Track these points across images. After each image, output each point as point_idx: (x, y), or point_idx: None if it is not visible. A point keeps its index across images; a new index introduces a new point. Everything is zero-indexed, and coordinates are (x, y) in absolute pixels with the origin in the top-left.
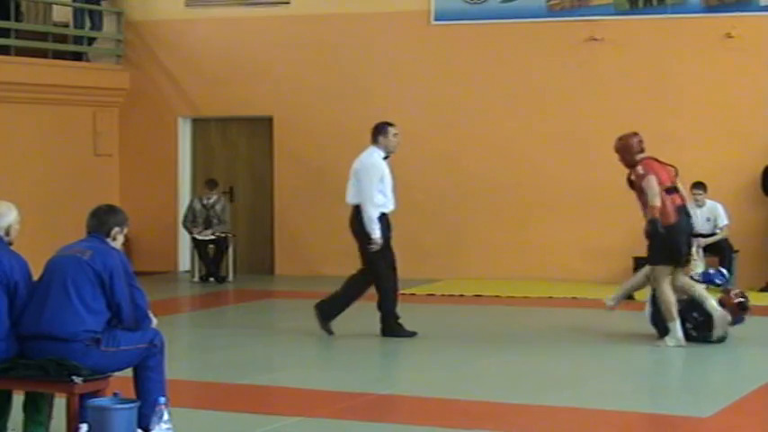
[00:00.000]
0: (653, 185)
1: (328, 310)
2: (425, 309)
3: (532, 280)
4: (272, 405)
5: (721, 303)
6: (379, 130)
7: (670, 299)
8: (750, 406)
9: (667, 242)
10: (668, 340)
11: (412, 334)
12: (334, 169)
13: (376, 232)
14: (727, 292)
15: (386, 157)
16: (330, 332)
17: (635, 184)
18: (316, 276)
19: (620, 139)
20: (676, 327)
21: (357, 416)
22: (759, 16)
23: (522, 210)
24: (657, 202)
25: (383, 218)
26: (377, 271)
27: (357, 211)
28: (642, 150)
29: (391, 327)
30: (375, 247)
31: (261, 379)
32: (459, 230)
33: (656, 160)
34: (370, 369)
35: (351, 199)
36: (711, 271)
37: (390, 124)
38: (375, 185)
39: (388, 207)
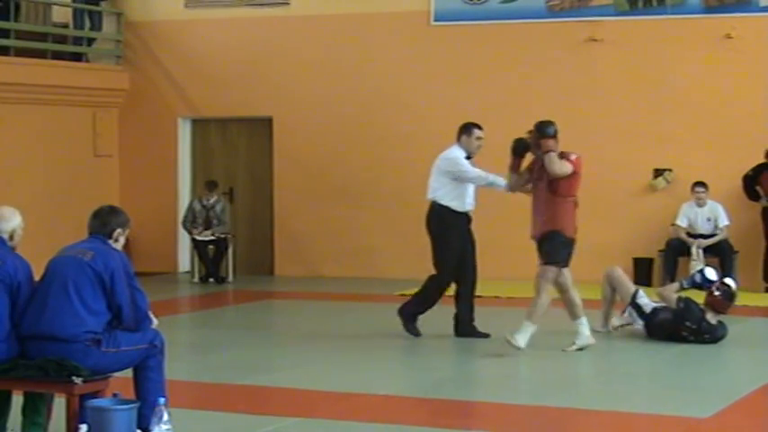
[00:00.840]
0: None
1: (412, 311)
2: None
3: (531, 280)
4: (271, 406)
5: (707, 304)
6: (464, 130)
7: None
8: (749, 407)
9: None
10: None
11: (485, 335)
12: (333, 170)
13: (490, 177)
14: (709, 291)
15: (468, 158)
16: (416, 334)
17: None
18: (316, 277)
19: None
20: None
21: (356, 416)
22: (759, 17)
23: (523, 209)
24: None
25: (464, 216)
26: (442, 267)
27: (432, 207)
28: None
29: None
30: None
31: (260, 379)
32: None
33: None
34: (370, 369)
35: (429, 194)
36: (696, 278)
37: (477, 126)
38: (466, 165)
39: (466, 206)
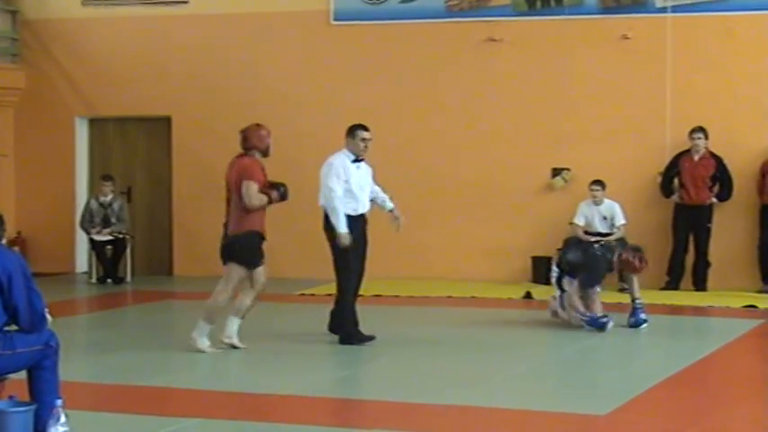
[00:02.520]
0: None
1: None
2: (325, 309)
3: (432, 279)
4: (170, 407)
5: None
6: (348, 132)
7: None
8: (645, 403)
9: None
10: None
11: (369, 339)
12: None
13: (343, 227)
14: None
15: (356, 160)
16: (370, 338)
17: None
18: (214, 277)
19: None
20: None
21: (257, 417)
22: (654, 17)
23: (421, 209)
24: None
25: (351, 219)
26: (350, 271)
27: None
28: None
29: (348, 334)
30: (344, 242)
31: (159, 380)
32: None
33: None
34: (270, 369)
35: (321, 201)
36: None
37: (362, 127)
38: (334, 181)
39: (357, 209)
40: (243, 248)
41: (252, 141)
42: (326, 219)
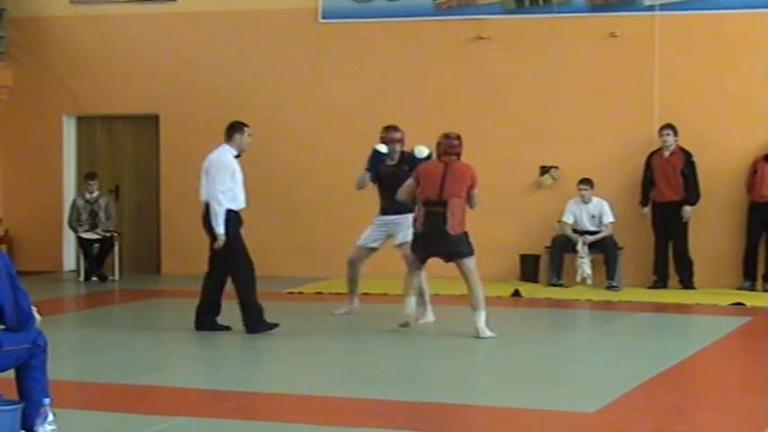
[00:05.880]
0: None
1: (206, 320)
2: (314, 307)
3: None
4: (158, 405)
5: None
6: (236, 129)
7: None
8: (633, 401)
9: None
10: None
11: (275, 326)
12: None
13: (221, 228)
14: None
15: (237, 156)
16: (226, 328)
17: None
18: (202, 275)
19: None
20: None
21: (244, 415)
22: (642, 16)
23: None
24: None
25: (235, 215)
26: (240, 264)
27: (208, 209)
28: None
29: (255, 323)
30: (220, 244)
31: (146, 379)
32: (349, 228)
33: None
34: (257, 367)
35: (203, 196)
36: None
37: (246, 124)
38: (225, 183)
39: (240, 204)
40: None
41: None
42: (209, 214)
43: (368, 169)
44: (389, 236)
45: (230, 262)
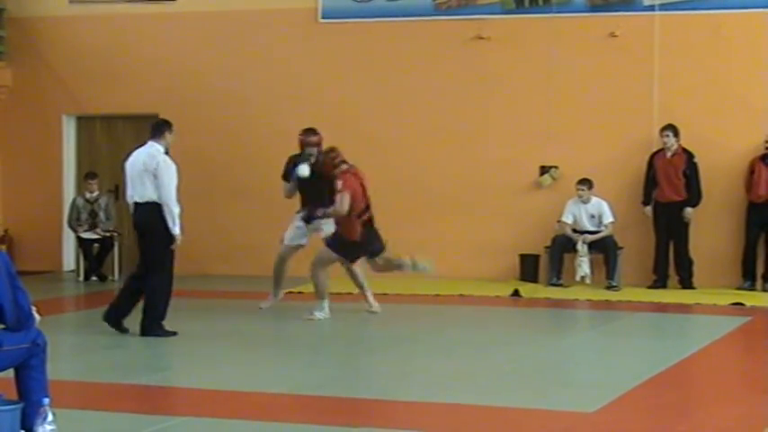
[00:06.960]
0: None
1: (115, 316)
2: (313, 307)
3: (419, 277)
4: (158, 405)
5: None
6: (167, 127)
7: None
8: (633, 401)
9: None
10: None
11: (173, 333)
12: (220, 167)
13: (177, 229)
14: None
15: (166, 153)
16: (126, 330)
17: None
18: (203, 275)
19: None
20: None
21: (243, 415)
22: (642, 16)
23: (409, 207)
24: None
25: None
26: (168, 270)
27: (151, 209)
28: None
29: (153, 328)
30: (178, 244)
31: (146, 379)
32: None
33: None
34: (257, 367)
35: (148, 196)
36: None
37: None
38: (173, 182)
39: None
40: None
41: None
42: (150, 215)
43: (290, 180)
44: (315, 230)
45: (165, 261)
